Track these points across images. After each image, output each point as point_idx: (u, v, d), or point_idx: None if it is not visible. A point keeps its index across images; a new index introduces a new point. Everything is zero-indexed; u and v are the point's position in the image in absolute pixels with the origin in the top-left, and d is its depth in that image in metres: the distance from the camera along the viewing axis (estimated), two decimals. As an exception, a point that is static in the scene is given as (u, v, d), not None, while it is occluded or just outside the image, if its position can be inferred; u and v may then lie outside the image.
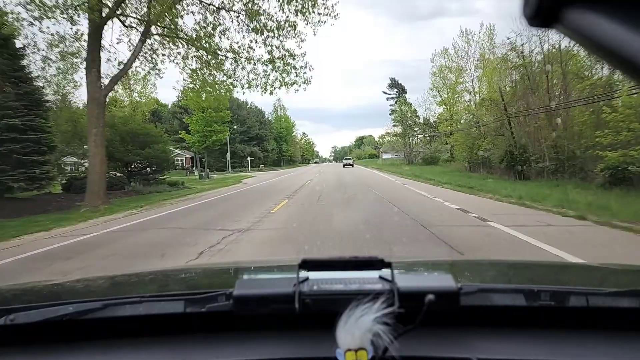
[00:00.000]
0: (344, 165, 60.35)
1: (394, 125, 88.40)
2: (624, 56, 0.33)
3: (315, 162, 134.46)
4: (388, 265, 0.83)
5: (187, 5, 15.35)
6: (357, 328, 0.69)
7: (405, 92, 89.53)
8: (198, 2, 15.35)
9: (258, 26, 15.21)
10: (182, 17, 15.53)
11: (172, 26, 15.34)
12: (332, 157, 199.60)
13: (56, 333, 0.92)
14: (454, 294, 0.80)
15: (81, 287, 1.43)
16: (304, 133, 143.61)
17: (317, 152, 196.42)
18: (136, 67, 16.53)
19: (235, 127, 58.55)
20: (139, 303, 0.92)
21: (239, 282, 0.87)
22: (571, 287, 1.02)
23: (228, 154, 51.61)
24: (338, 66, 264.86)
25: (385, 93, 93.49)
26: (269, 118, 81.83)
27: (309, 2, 14.67)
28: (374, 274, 0.85)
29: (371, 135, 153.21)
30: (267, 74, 16.39)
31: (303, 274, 0.83)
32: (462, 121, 40.04)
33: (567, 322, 0.90)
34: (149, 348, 0.89)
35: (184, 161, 68.43)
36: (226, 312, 0.85)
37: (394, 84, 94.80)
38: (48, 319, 0.88)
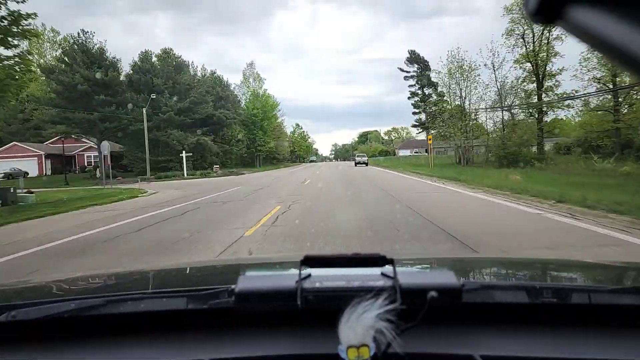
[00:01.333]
0: (356, 164, 46.49)
1: (418, 112, 65.74)
2: (628, 53, 0.33)
3: (312, 161, 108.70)
4: (390, 262, 0.82)
5: None
6: (360, 324, 0.68)
7: (429, 70, 66.86)
8: None
9: None
10: None
11: None
12: (333, 156, 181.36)
13: (58, 330, 0.91)
14: (457, 291, 0.80)
15: (83, 284, 1.42)
16: (297, 124, 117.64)
17: (317, 149, 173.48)
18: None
19: (153, 97, 33.83)
20: (140, 299, 0.92)
21: (241, 278, 0.86)
22: (573, 284, 1.02)
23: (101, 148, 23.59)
24: (338, 65, 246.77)
25: (402, 70, 70.45)
26: (236, 94, 54.53)
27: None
28: (376, 271, 0.84)
29: (377, 131, 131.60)
30: None
31: (305, 270, 0.83)
32: None
33: (570, 319, 0.90)
34: (151, 344, 0.88)
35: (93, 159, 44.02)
36: (228, 308, 0.84)
37: (415, 58, 70.98)
38: (49, 315, 0.88)
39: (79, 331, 0.90)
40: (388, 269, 0.83)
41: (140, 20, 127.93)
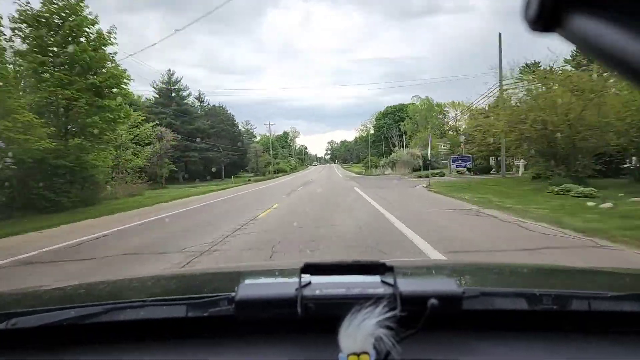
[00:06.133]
0: None
1: None
2: (627, 62, 0.33)
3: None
4: (390, 269, 0.82)
5: None
6: (360, 332, 0.68)
7: None
8: None
9: None
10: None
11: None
12: (329, 156, 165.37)
13: (58, 338, 0.90)
14: (457, 298, 0.80)
15: (83, 291, 1.41)
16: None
17: (305, 147, 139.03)
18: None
19: None
20: (140, 307, 0.91)
21: (241, 286, 0.86)
22: (573, 290, 1.03)
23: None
24: (332, 65, 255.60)
25: None
26: None
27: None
28: (376, 278, 0.84)
29: (412, 104, 67.51)
30: None
31: (305, 278, 0.83)
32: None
33: (570, 326, 0.90)
34: (150, 353, 0.88)
35: None
36: (228, 316, 0.83)
37: None
38: (49, 323, 0.87)
39: (79, 339, 0.90)
40: (388, 276, 0.82)
41: (130, 20, 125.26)
